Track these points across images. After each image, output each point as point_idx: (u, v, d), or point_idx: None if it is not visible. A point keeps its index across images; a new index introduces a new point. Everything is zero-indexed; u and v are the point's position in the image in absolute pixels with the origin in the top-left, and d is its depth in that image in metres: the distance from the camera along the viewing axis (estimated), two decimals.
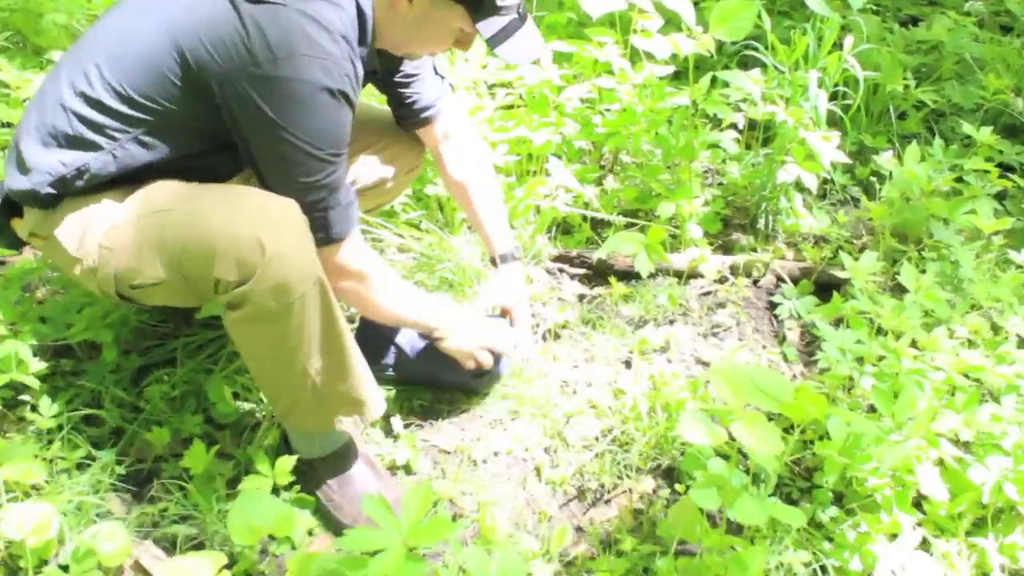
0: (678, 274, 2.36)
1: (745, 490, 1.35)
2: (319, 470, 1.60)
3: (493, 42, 1.43)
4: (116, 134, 1.33)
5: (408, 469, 1.75)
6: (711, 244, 2.49)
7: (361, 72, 1.40)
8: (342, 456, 1.61)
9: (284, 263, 1.28)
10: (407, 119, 1.84)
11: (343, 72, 1.32)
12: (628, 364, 2.05)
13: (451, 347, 1.71)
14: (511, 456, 1.80)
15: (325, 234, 1.40)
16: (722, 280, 2.37)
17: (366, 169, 1.85)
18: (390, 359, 1.84)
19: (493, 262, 1.96)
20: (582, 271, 2.42)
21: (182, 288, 1.33)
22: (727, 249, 2.54)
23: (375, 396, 1.54)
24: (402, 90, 1.78)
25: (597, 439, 1.83)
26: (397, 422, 1.83)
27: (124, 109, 1.33)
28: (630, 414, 1.85)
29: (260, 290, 1.27)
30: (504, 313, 1.92)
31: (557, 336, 2.15)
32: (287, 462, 1.53)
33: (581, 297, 2.33)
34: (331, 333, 1.38)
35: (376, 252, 1.74)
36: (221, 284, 1.29)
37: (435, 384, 1.91)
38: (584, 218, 2.51)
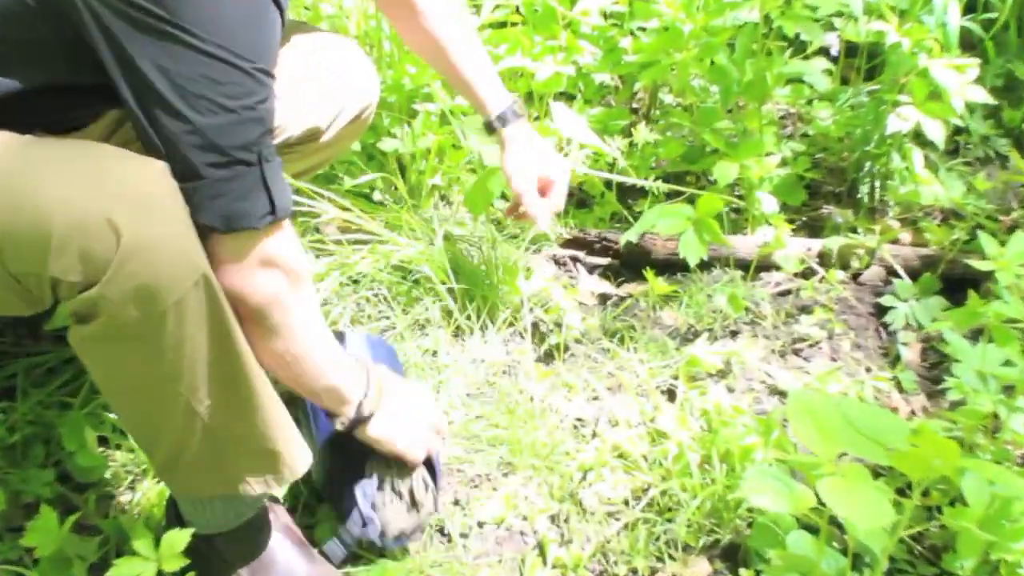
0: (743, 265, 2.35)
1: None
2: (222, 551, 1.59)
3: None
4: None
5: None
6: (791, 222, 2.48)
7: None
8: (255, 530, 1.60)
9: (151, 254, 1.24)
10: None
11: None
12: (671, 395, 2.04)
13: (376, 434, 1.61)
14: (503, 528, 1.79)
15: (267, 202, 1.35)
16: (807, 274, 2.36)
17: (289, 111, 1.81)
18: None
19: (489, 128, 1.96)
20: (605, 261, 2.42)
21: (7, 290, 1.29)
22: (814, 229, 2.53)
23: (294, 445, 1.51)
24: None
25: (627, 503, 1.81)
26: None
27: None
28: (674, 467, 1.83)
29: (116, 295, 1.24)
30: (543, 190, 1.95)
31: (569, 353, 2.14)
32: (177, 539, 1.49)
33: (604, 298, 2.32)
34: (225, 353, 1.36)
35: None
36: (61, 286, 1.25)
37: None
38: (608, 185, 2.50)
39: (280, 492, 1.60)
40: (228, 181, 1.31)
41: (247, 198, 1.33)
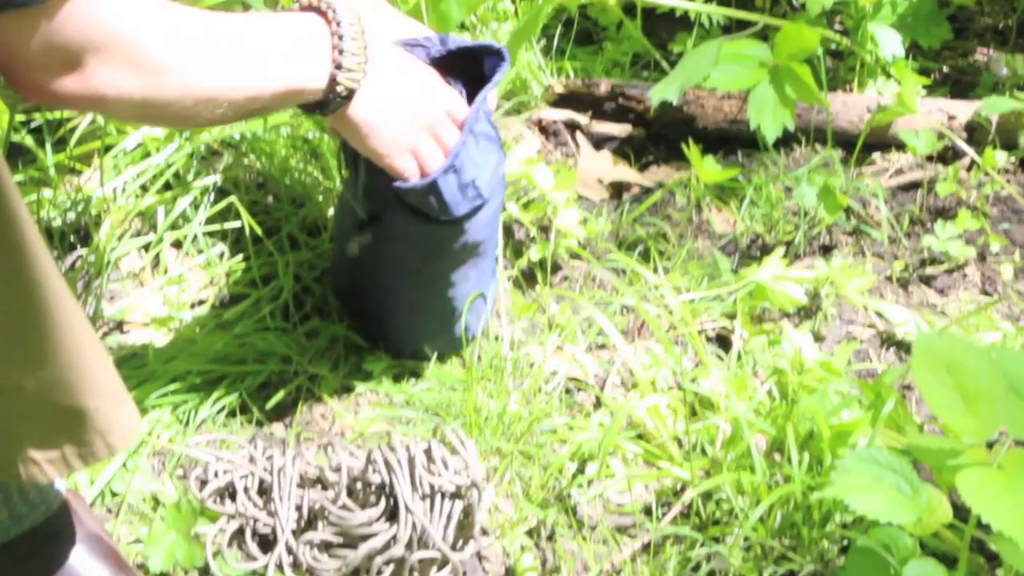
0: (844, 141, 2.37)
1: None
2: None
3: None
4: None
5: None
6: (925, 74, 2.50)
7: None
8: (43, 541, 1.61)
9: None
10: None
11: None
12: (723, 343, 2.06)
13: (359, 117, 1.72)
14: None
15: None
16: (946, 157, 2.38)
17: None
18: None
19: None
20: (622, 130, 2.44)
21: None
22: (960, 86, 2.55)
23: (113, 399, 1.50)
24: None
25: (649, 513, 1.82)
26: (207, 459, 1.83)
27: None
28: (725, 456, 1.83)
29: None
30: None
31: (561, 275, 2.16)
32: None
33: (619, 189, 2.34)
34: (3, 252, 1.34)
35: None
36: None
37: None
38: (629, 9, 2.51)
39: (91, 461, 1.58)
40: None
41: None
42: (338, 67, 1.64)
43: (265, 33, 1.63)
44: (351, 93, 1.67)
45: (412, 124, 1.77)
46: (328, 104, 1.67)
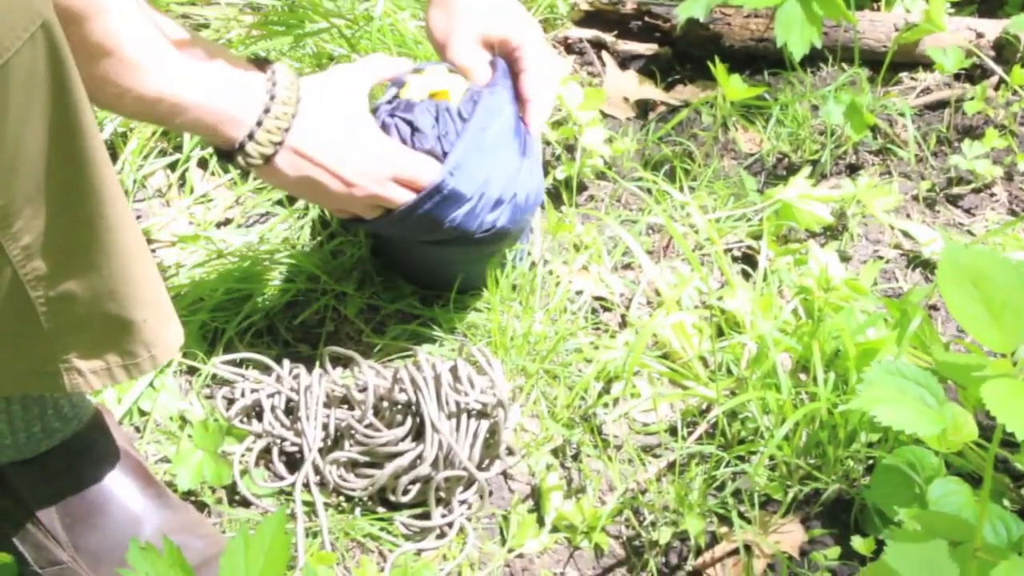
0: (872, 59, 2.35)
1: (1017, 551, 1.34)
2: (22, 488, 1.60)
3: None
4: None
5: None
6: None
7: None
8: (75, 456, 1.60)
9: None
10: None
11: None
12: (749, 262, 2.05)
13: (287, 177, 1.71)
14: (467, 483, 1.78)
15: None
16: (974, 76, 2.36)
17: None
18: None
19: None
20: (648, 49, 2.43)
21: None
22: (987, 3, 2.52)
23: (161, 312, 1.50)
24: None
25: (674, 432, 1.82)
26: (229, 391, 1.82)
27: None
28: (750, 375, 1.83)
29: None
30: (505, 52, 1.89)
31: (587, 193, 2.15)
32: None
33: (645, 107, 2.33)
34: (68, 153, 1.31)
35: None
36: None
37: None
38: None
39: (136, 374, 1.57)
40: None
41: None
42: (240, 147, 1.64)
43: (207, 64, 1.62)
44: (248, 171, 1.69)
45: (341, 192, 1.74)
46: (231, 161, 1.67)
